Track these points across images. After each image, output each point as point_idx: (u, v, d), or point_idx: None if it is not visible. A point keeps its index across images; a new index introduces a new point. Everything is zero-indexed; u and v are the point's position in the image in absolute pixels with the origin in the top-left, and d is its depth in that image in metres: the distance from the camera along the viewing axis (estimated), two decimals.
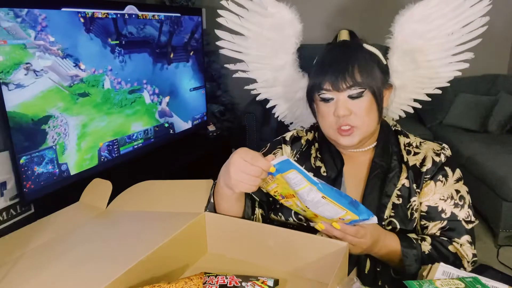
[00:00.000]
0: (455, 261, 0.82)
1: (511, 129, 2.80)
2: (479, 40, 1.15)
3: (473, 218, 0.87)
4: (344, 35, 0.92)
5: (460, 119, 2.96)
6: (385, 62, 0.89)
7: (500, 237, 2.18)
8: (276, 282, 0.68)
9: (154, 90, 2.29)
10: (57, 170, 1.73)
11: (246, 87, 1.36)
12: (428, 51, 1.16)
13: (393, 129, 0.96)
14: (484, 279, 0.64)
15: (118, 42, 1.98)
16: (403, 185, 0.87)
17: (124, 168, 2.07)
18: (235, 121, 3.22)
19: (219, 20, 1.24)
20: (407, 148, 0.92)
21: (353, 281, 0.62)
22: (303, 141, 0.98)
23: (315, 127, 1.01)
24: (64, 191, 1.73)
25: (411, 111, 1.29)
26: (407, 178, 0.87)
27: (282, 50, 1.21)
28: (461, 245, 0.84)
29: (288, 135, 0.99)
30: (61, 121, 1.65)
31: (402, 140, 0.93)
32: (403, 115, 1.29)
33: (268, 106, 1.39)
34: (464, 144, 2.60)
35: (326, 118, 0.86)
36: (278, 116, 1.39)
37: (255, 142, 2.71)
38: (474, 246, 0.86)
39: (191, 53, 2.66)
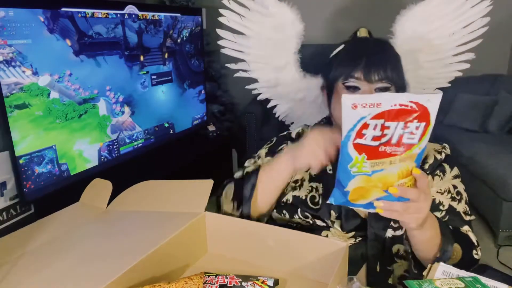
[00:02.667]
0: (470, 245, 0.81)
1: (511, 129, 2.80)
2: (480, 41, 1.15)
3: (470, 213, 0.88)
4: (364, 33, 0.93)
5: (460, 119, 2.95)
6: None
7: (500, 237, 2.18)
8: (276, 282, 0.68)
9: (118, 98, 2.04)
10: (57, 170, 1.73)
11: (247, 87, 1.36)
12: (429, 51, 1.16)
13: None
14: (484, 279, 0.64)
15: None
16: None
17: (124, 168, 2.07)
18: (235, 121, 3.22)
19: (221, 19, 1.24)
20: None
21: (353, 281, 0.62)
22: None
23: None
24: (64, 191, 1.73)
25: None
26: None
27: (283, 50, 1.21)
28: (466, 231, 0.84)
29: (294, 132, 0.99)
30: None
31: None
32: None
33: (269, 106, 1.39)
34: (464, 144, 2.60)
35: None
36: (279, 116, 1.39)
37: (255, 142, 2.70)
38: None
39: (191, 54, 2.66)
